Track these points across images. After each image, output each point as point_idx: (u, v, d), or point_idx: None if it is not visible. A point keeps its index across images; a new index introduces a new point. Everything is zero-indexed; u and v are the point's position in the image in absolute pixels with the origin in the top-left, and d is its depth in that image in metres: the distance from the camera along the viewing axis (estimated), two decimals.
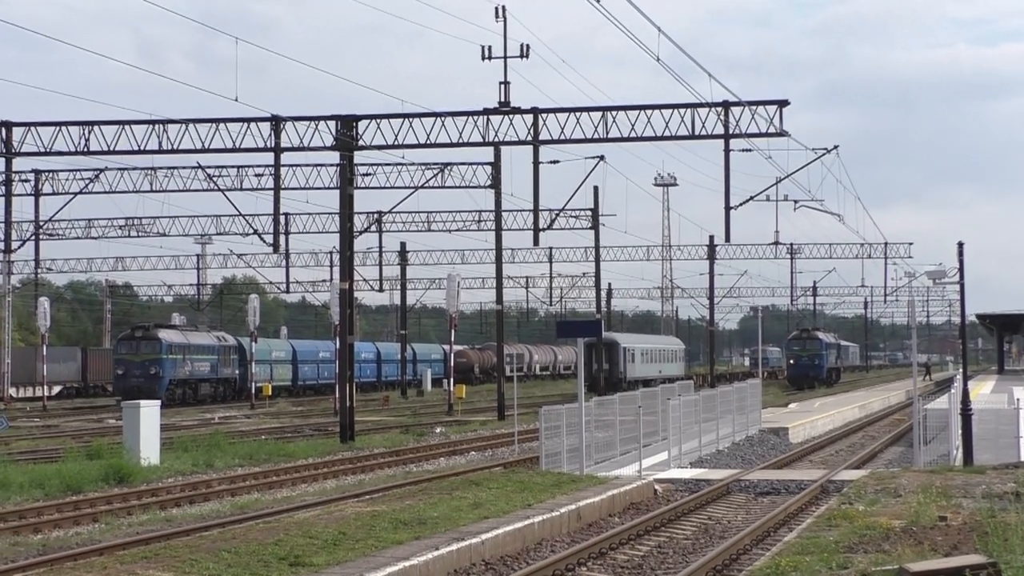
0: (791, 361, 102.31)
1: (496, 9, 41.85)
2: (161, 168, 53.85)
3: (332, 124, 42.30)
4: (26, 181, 53.59)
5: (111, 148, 43.31)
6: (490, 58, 41.75)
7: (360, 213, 60.35)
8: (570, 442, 28.31)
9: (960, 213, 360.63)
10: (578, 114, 41.51)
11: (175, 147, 43.01)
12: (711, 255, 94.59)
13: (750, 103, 40.65)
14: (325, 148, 42.94)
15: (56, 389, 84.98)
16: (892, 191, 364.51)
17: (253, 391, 73.02)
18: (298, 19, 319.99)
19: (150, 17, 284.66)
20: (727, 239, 44.00)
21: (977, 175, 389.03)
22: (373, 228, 73.86)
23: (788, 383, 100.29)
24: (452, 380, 62.44)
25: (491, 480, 25.63)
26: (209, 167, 51.13)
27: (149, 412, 33.86)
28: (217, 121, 42.64)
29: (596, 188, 69.92)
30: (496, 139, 42.52)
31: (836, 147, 46.11)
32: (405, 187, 51.21)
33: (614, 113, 41.36)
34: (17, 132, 43.96)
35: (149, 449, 33.16)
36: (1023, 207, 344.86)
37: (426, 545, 17.58)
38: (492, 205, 57.33)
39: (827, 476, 28.77)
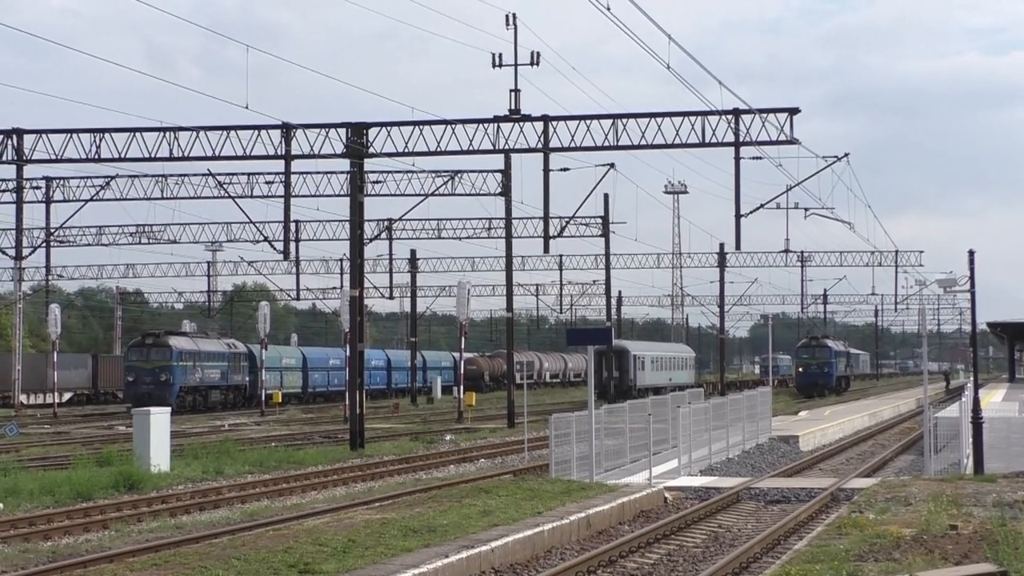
0: (800, 369, 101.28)
1: (507, 17, 41.91)
2: (172, 175, 54.07)
3: (342, 131, 42.36)
4: (37, 188, 53.85)
5: (122, 155, 43.43)
6: (500, 65, 41.80)
7: (370, 220, 60.49)
8: (580, 450, 28.29)
9: (971, 221, 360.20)
10: (588, 122, 41.53)
11: (186, 154, 43.09)
12: (721, 263, 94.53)
13: (760, 111, 40.65)
14: (335, 155, 43.02)
15: (67, 396, 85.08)
16: (902, 199, 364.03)
17: (263, 398, 73.03)
18: (305, 26, 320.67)
19: (157, 24, 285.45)
20: (737, 247, 43.90)
21: (988, 183, 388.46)
22: (383, 235, 74.01)
23: (797, 391, 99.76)
24: (462, 387, 62.41)
25: (501, 487, 25.61)
26: (220, 174, 51.32)
27: (159, 419, 33.89)
28: (228, 128, 42.73)
29: (606, 196, 70.10)
30: (506, 147, 42.54)
31: (847, 155, 46.02)
32: (415, 194, 51.33)
33: (624, 121, 41.38)
34: (28, 139, 44.10)
35: (159, 456, 33.20)
36: None
37: (436, 553, 17.58)
38: (502, 213, 57.38)
39: (837, 484, 28.71)
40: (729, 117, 40.55)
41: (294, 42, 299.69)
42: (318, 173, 52.45)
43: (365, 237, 45.59)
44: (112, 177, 52.12)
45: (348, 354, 46.51)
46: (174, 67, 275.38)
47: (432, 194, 51.13)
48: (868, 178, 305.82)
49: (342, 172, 50.43)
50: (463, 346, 63.11)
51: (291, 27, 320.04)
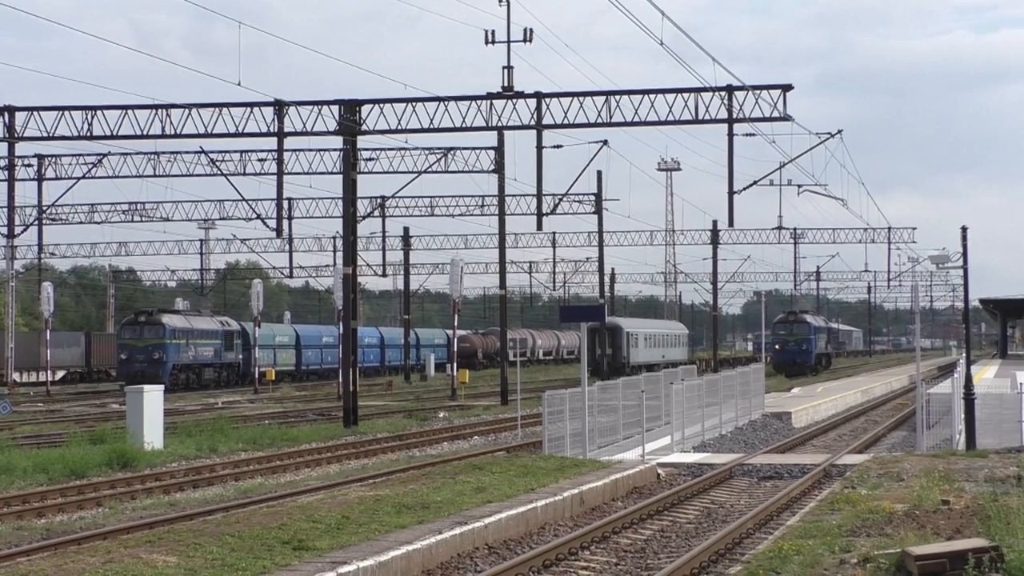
0: (776, 346, 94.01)
1: None
2: (164, 153, 53.90)
3: (335, 109, 42.26)
4: (29, 166, 53.64)
5: (114, 133, 43.27)
6: (493, 42, 41.64)
7: (363, 198, 60.37)
8: (573, 427, 28.35)
9: (961, 201, 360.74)
10: (581, 99, 41.45)
11: (178, 132, 42.96)
12: (714, 240, 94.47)
13: (753, 87, 40.58)
14: (328, 133, 42.90)
15: (60, 374, 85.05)
16: (892, 178, 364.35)
17: (257, 376, 73.09)
18: (295, 7, 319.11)
19: (143, 5, 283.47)
20: (730, 224, 43.91)
21: (978, 163, 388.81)
22: (376, 213, 73.90)
23: (773, 370, 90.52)
24: (455, 365, 62.47)
25: (494, 464, 25.66)
26: (212, 152, 51.15)
27: (153, 397, 33.90)
28: (220, 106, 42.58)
29: (599, 173, 70.03)
30: (499, 124, 42.46)
31: (840, 132, 45.96)
32: (408, 172, 51.25)
33: (617, 98, 41.31)
34: (20, 117, 43.93)
35: (153, 434, 33.21)
36: None
37: (429, 529, 17.61)
38: (495, 190, 57.40)
39: (830, 460, 28.79)
40: (722, 94, 40.49)
41: (283, 24, 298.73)
42: (311, 150, 52.37)
43: (358, 214, 45.53)
44: (104, 155, 51.99)
45: (341, 332, 46.50)
46: (161, 48, 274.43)
47: (425, 171, 51.08)
48: (858, 158, 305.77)
49: (335, 149, 50.35)
50: (456, 323, 63.16)
51: (280, 9, 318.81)
